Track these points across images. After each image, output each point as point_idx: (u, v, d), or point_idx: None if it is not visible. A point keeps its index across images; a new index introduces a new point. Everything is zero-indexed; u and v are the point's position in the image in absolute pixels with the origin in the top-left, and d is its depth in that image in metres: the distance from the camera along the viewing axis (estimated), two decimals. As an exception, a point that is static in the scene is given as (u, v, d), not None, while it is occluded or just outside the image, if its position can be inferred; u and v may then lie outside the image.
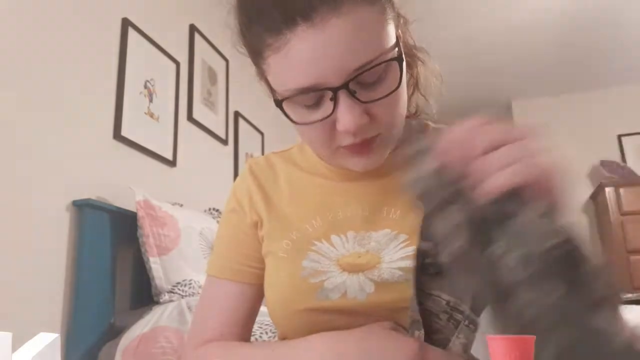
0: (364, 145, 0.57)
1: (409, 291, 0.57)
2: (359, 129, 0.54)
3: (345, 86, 0.52)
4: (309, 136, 0.60)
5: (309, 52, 0.51)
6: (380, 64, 0.53)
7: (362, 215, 0.66)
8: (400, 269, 0.60)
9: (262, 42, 0.54)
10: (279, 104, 0.57)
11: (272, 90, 0.59)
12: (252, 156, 2.86)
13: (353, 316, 0.59)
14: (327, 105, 0.54)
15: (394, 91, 0.55)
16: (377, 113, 0.55)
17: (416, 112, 0.74)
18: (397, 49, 0.55)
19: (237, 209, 0.73)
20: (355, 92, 0.53)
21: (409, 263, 0.60)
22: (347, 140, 0.57)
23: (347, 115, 0.53)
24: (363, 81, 0.53)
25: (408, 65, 0.67)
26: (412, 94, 0.71)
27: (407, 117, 0.69)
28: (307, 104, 0.55)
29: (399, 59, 0.54)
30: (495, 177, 0.40)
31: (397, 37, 0.58)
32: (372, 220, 0.65)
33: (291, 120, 0.57)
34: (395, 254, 0.62)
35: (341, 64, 0.51)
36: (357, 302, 0.60)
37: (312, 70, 0.52)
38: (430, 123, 0.72)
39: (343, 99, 0.53)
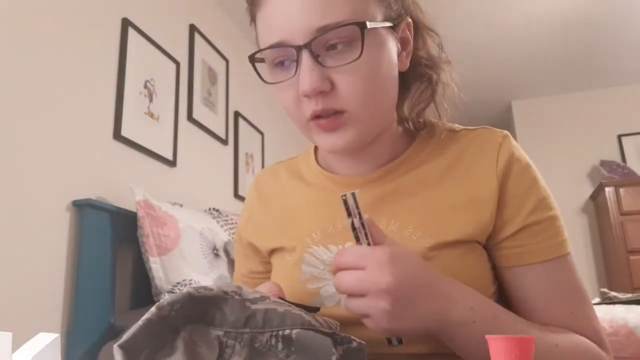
0: (329, 121, 0.57)
1: None
2: (316, 92, 0.55)
3: (307, 46, 0.54)
4: (282, 104, 0.61)
5: (280, 7, 0.55)
6: (341, 26, 0.53)
7: None
8: None
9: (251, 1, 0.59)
10: (250, 59, 0.59)
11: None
12: (252, 156, 2.86)
13: (344, 326, 0.59)
14: (293, 67, 0.56)
15: (355, 60, 0.54)
16: (341, 84, 0.56)
17: (422, 121, 0.70)
18: (368, 22, 0.54)
19: (240, 229, 0.78)
20: (319, 56, 0.55)
21: None
22: (309, 108, 0.57)
23: (305, 74, 0.54)
24: (328, 47, 0.55)
25: (430, 75, 0.67)
26: (431, 101, 0.68)
27: (416, 126, 0.68)
28: (276, 62, 0.58)
29: (361, 25, 0.54)
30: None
31: (389, 20, 0.58)
32: None
33: (261, 78, 0.59)
34: None
35: (305, 21, 0.53)
36: (349, 313, 0.60)
37: (279, 26, 0.55)
38: (441, 125, 0.68)
39: (305, 59, 0.54)
